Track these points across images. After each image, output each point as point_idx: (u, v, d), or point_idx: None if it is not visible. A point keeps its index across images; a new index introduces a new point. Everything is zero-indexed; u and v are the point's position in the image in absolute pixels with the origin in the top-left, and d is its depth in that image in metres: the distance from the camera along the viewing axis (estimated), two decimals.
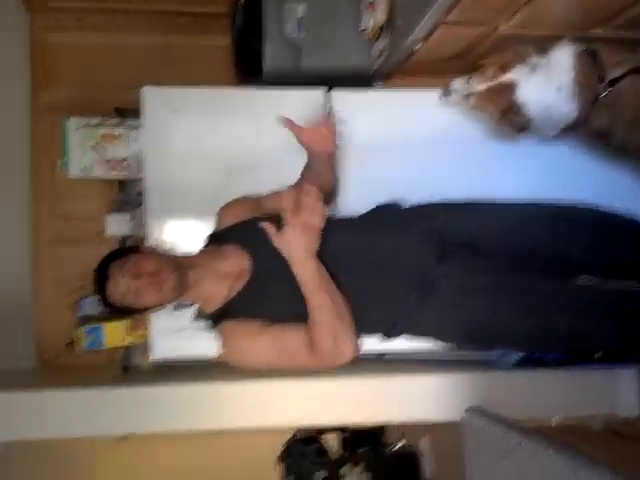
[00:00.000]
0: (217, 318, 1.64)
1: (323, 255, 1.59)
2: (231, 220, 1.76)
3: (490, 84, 1.77)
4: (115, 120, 2.18)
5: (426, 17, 1.74)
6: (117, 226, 2.21)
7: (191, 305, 1.73)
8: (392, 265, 1.65)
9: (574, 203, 1.84)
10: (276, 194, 1.79)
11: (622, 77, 1.69)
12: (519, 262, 1.73)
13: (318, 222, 1.51)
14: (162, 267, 1.58)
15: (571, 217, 1.81)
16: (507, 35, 1.80)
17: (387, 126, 1.95)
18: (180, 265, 1.62)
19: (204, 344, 1.67)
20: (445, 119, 2.01)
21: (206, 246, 1.75)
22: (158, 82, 2.01)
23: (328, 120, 1.81)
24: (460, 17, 1.70)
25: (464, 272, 1.67)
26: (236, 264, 1.67)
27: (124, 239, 2.23)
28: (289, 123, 1.76)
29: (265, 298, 1.63)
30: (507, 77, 1.74)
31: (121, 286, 1.56)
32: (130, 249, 1.72)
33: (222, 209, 1.80)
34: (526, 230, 1.77)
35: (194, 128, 1.98)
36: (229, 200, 1.80)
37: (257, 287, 1.64)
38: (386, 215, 1.79)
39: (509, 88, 1.75)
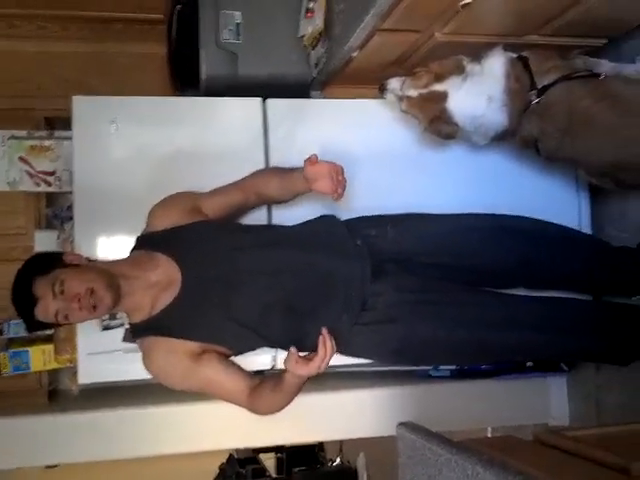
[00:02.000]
0: (141, 331, 1.58)
1: (261, 273, 1.56)
2: (165, 222, 1.66)
3: (421, 92, 1.77)
4: (44, 132, 2.10)
5: (362, 25, 1.73)
6: (46, 242, 2.12)
7: (121, 325, 1.67)
8: (328, 284, 1.63)
9: (509, 214, 1.86)
10: (218, 191, 1.74)
11: (553, 84, 1.70)
12: (451, 276, 1.75)
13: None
14: (95, 284, 1.49)
15: (504, 228, 1.82)
16: (443, 42, 1.80)
17: (323, 136, 1.92)
18: (112, 277, 1.53)
19: (135, 366, 1.61)
20: (382, 128, 2.01)
21: (135, 249, 1.66)
22: (92, 91, 1.95)
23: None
24: (396, 24, 1.69)
25: (396, 290, 1.67)
26: (165, 274, 1.59)
27: None
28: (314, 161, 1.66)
29: (199, 320, 1.58)
30: (439, 86, 1.74)
31: (51, 310, 1.46)
32: (53, 257, 1.58)
33: (155, 207, 1.69)
34: (459, 244, 1.78)
35: (129, 139, 1.91)
36: (164, 198, 1.70)
37: (189, 306, 1.58)
38: (323, 232, 1.75)
39: (440, 97, 1.76)
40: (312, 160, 1.63)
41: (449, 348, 1.66)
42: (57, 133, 2.11)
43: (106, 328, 1.80)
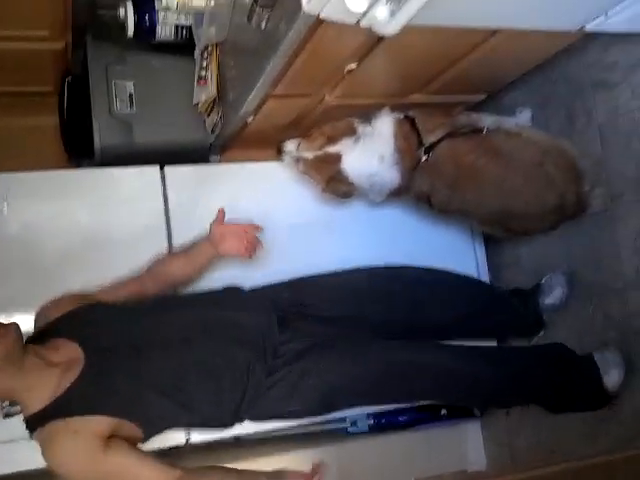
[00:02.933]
0: (41, 419, 1.45)
1: (169, 335, 1.57)
2: (54, 313, 1.60)
3: (316, 154, 1.83)
4: None
5: (254, 91, 1.75)
6: None
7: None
8: (238, 336, 1.63)
9: (401, 265, 1.96)
10: (114, 285, 1.72)
11: (439, 142, 1.79)
12: (352, 326, 1.81)
13: None
14: None
15: (393, 278, 1.92)
16: (334, 105, 1.86)
17: (225, 200, 1.90)
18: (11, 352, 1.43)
19: None
20: (284, 190, 2.05)
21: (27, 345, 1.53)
22: None
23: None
24: (286, 90, 1.73)
25: (303, 335, 1.72)
26: (65, 355, 1.51)
27: None
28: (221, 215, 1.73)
29: (109, 392, 1.50)
30: (333, 148, 1.80)
31: None
32: None
33: (42, 306, 1.63)
34: (350, 296, 1.86)
35: (22, 217, 1.84)
36: (52, 297, 1.65)
37: (96, 379, 1.50)
38: (225, 293, 1.78)
39: (334, 158, 1.83)
40: (219, 219, 1.65)
41: (356, 386, 1.70)
42: None
43: (7, 415, 1.67)
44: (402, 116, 1.82)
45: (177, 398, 1.55)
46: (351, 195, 1.91)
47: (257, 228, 1.75)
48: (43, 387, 1.46)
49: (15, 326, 1.45)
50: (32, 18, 1.81)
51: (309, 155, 1.84)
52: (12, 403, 1.66)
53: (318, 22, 1.35)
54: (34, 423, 1.47)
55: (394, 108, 1.85)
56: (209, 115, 2.07)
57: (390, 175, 1.81)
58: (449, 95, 1.93)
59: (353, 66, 1.64)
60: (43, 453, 1.44)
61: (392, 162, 1.79)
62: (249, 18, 1.53)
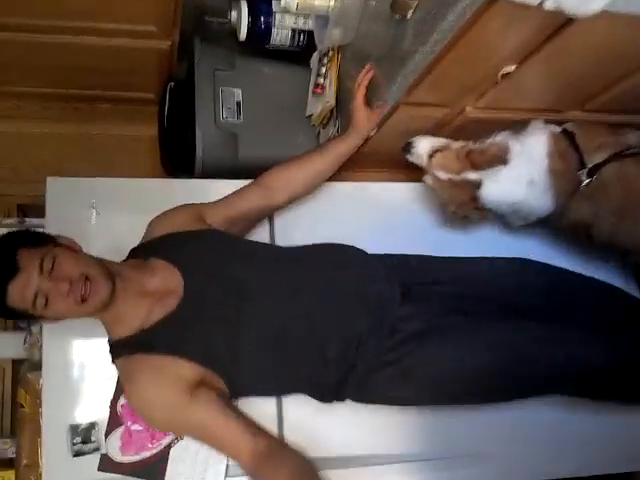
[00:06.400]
0: (126, 347, 1.31)
1: (279, 289, 1.40)
2: (165, 228, 1.45)
3: (452, 177, 1.54)
4: (14, 219, 1.83)
5: (383, 99, 1.52)
6: (9, 347, 1.80)
7: (95, 450, 1.38)
8: (354, 304, 1.42)
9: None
10: (229, 196, 1.55)
11: (605, 163, 1.49)
12: (481, 305, 1.55)
13: None
14: (92, 271, 1.25)
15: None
16: (473, 118, 1.58)
17: (330, 220, 1.73)
18: (109, 271, 1.30)
19: None
20: (402, 212, 1.81)
21: (126, 260, 1.42)
22: (73, 176, 1.69)
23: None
24: (424, 97, 1.48)
25: (425, 313, 1.47)
26: (163, 283, 1.35)
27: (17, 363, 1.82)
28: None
29: (200, 335, 1.32)
30: (474, 175, 1.52)
31: (31, 286, 1.19)
32: (44, 235, 1.34)
33: (155, 218, 1.49)
34: (488, 276, 1.63)
35: (110, 227, 1.64)
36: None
37: (190, 320, 1.32)
38: (345, 252, 1.55)
39: (473, 185, 1.53)
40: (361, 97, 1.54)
41: (484, 376, 1.44)
42: (29, 221, 1.85)
43: (78, 454, 1.49)
44: (559, 130, 1.53)
45: (276, 356, 1.36)
46: (484, 219, 1.63)
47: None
48: (132, 315, 1.33)
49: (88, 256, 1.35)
50: (139, 11, 1.65)
51: (443, 176, 1.55)
52: (85, 440, 1.50)
53: (487, 5, 1.09)
54: (117, 350, 1.33)
55: (547, 121, 1.56)
56: (324, 127, 1.85)
57: (541, 202, 1.52)
58: (615, 114, 1.61)
59: (511, 69, 1.36)
60: (123, 387, 1.33)
61: (544, 186, 1.50)
62: (392, 7, 1.29)
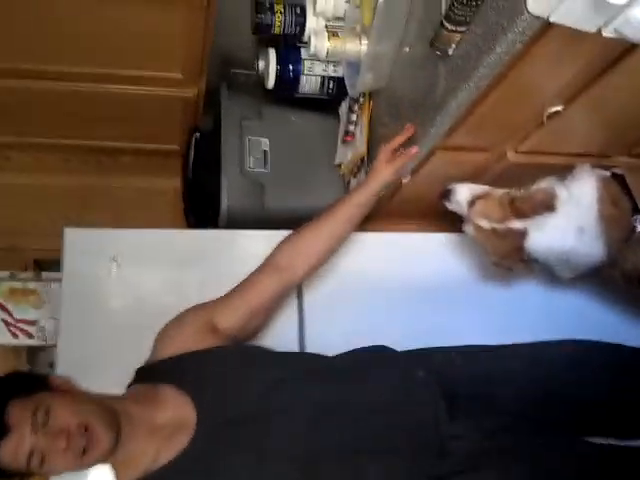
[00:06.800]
0: None
1: (304, 413, 1.21)
2: (174, 347, 1.27)
3: (495, 226, 1.44)
4: (29, 273, 1.75)
5: (419, 143, 1.43)
6: None
7: None
8: (391, 426, 1.24)
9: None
10: (238, 288, 1.36)
11: None
12: (538, 412, 1.40)
13: None
14: (91, 419, 1.09)
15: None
16: (514, 163, 1.50)
17: (359, 270, 1.63)
18: (112, 414, 1.13)
19: None
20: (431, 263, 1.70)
21: (134, 384, 1.25)
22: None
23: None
24: (463, 140, 1.41)
25: (478, 431, 1.29)
26: (175, 415, 1.18)
27: None
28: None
29: (219, 473, 1.15)
30: (518, 224, 1.41)
31: (25, 447, 1.04)
32: (36, 378, 1.21)
33: (165, 330, 1.31)
34: (539, 371, 1.45)
35: (131, 282, 1.56)
36: (173, 318, 1.32)
37: (207, 456, 1.15)
38: (376, 361, 1.36)
39: (519, 234, 1.42)
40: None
41: None
42: (45, 275, 1.77)
43: None
44: (608, 174, 1.43)
45: None
46: (530, 274, 1.51)
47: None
48: (140, 456, 1.15)
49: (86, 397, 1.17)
50: (165, 58, 1.60)
51: (485, 225, 1.45)
52: None
53: (540, 33, 1.02)
54: None
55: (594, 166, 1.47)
56: (355, 176, 1.76)
57: (591, 250, 1.40)
58: None
59: (557, 108, 1.28)
60: None
61: (595, 234, 1.39)
62: (433, 42, 1.22)
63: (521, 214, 1.40)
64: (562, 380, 1.44)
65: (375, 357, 1.38)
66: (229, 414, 1.19)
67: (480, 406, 1.34)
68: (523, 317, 1.68)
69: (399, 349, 1.42)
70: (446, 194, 1.48)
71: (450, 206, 1.49)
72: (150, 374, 1.26)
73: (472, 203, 1.45)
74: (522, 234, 1.42)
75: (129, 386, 1.27)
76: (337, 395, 1.26)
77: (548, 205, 1.40)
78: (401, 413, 1.27)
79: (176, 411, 1.18)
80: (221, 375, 1.24)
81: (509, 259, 1.49)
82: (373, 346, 1.40)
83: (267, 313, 1.39)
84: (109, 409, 1.14)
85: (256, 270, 1.38)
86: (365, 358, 1.37)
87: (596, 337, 1.59)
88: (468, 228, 1.48)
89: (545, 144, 1.43)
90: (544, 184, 1.42)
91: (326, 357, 1.38)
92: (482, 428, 1.29)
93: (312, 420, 1.21)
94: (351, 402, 1.25)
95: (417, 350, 1.44)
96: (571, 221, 1.41)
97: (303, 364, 1.35)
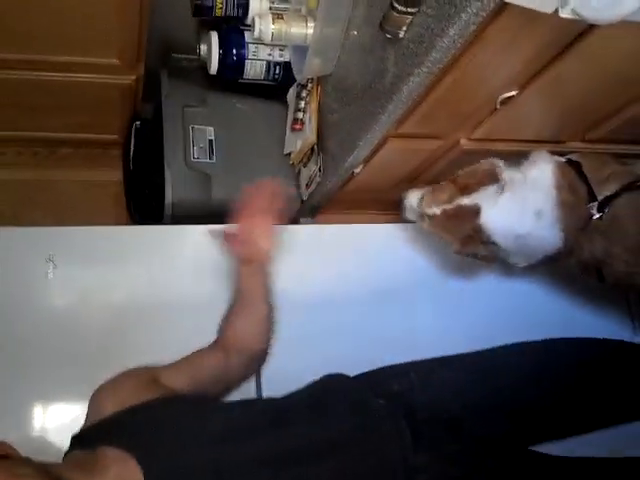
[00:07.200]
0: None
1: (264, 463, 1.09)
2: (112, 405, 1.14)
3: (446, 207, 1.40)
4: None
5: (372, 130, 1.38)
6: None
7: None
8: (356, 465, 1.14)
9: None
10: (184, 359, 1.24)
11: (616, 195, 1.36)
12: (499, 430, 1.35)
13: None
14: None
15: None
16: (467, 150, 1.46)
17: (315, 268, 1.56)
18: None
19: None
20: (388, 256, 1.65)
21: (69, 452, 1.13)
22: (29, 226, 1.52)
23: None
24: (416, 127, 1.36)
25: (442, 461, 1.21)
26: (118, 474, 1.05)
27: None
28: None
29: None
30: (467, 200, 1.38)
31: None
32: None
33: (97, 392, 1.18)
34: (499, 385, 1.40)
35: (72, 281, 1.47)
36: (109, 378, 1.18)
37: None
38: (334, 396, 1.26)
39: (471, 212, 1.39)
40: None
41: None
42: None
43: None
44: (564, 160, 1.40)
45: None
46: (495, 259, 1.48)
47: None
48: None
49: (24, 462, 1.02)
50: (101, 43, 1.50)
51: (435, 210, 1.41)
52: None
53: (494, 14, 0.97)
54: None
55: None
56: (305, 166, 1.70)
57: (549, 236, 1.38)
58: (621, 145, 1.49)
59: (512, 93, 1.24)
60: None
61: (553, 220, 1.36)
62: (382, 25, 1.16)
63: (466, 189, 1.38)
64: (514, 389, 1.41)
65: (330, 390, 1.28)
66: (178, 467, 1.08)
67: (444, 431, 1.27)
68: (480, 315, 1.67)
69: (353, 362, 1.35)
70: (399, 201, 1.46)
71: (408, 215, 1.47)
72: (87, 439, 1.13)
73: (422, 198, 1.42)
74: (474, 211, 1.38)
75: (65, 455, 1.13)
76: (294, 440, 1.15)
77: (491, 174, 1.37)
78: (365, 451, 1.17)
79: (120, 473, 1.06)
80: (165, 427, 1.13)
81: (470, 244, 1.45)
82: (327, 376, 1.31)
83: (220, 385, 1.28)
84: (50, 476, 1.01)
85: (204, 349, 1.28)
86: (318, 393, 1.27)
87: (552, 331, 1.59)
88: (424, 225, 1.44)
89: (499, 131, 1.39)
90: (485, 161, 1.40)
91: (277, 399, 1.28)
92: (447, 455, 1.22)
93: (274, 468, 1.10)
94: (309, 447, 1.14)
95: (374, 372, 1.38)
96: (528, 204, 1.38)
97: (253, 410, 1.24)
